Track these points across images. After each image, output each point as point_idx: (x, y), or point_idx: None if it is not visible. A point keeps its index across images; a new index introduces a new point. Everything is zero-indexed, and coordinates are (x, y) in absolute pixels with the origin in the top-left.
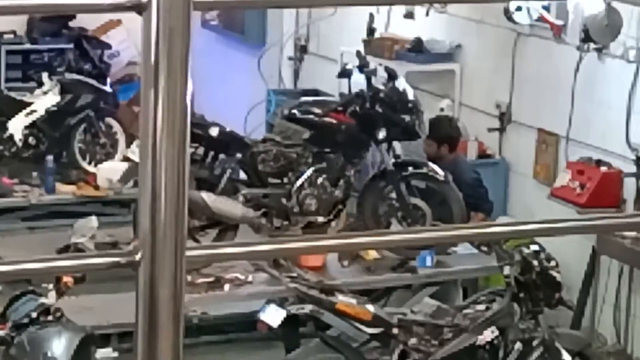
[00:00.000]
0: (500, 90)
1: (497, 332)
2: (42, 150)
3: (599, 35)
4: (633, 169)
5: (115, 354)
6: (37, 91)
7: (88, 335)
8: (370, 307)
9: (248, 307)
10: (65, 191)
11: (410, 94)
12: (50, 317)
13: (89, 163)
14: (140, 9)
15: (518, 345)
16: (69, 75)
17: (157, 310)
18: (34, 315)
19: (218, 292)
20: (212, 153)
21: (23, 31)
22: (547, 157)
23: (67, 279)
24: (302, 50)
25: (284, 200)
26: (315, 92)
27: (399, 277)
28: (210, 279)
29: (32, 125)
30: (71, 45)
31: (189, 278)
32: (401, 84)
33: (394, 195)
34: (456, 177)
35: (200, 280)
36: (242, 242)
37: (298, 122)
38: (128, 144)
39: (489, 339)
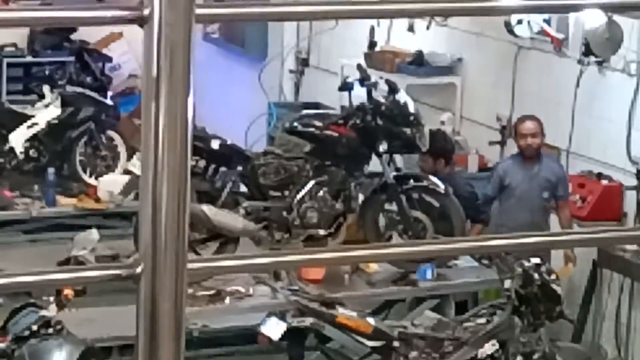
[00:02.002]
0: (501, 103)
1: (497, 346)
2: (43, 163)
3: (599, 48)
4: (634, 182)
5: None
6: (38, 104)
7: (89, 348)
8: (371, 320)
9: (249, 320)
10: (66, 204)
11: (411, 107)
12: (50, 330)
13: (90, 176)
14: (142, 22)
15: (519, 359)
16: (70, 88)
17: (158, 323)
18: (35, 327)
19: (219, 304)
20: (213, 166)
21: (24, 44)
22: None
23: (68, 292)
24: (303, 63)
25: (284, 213)
26: (316, 105)
27: (400, 290)
28: (211, 292)
29: (33, 138)
30: (72, 58)
31: (190, 291)
32: (402, 97)
33: (394, 208)
34: (452, 191)
35: (201, 293)
36: (243, 255)
37: (299, 135)
38: (129, 157)
39: (489, 352)
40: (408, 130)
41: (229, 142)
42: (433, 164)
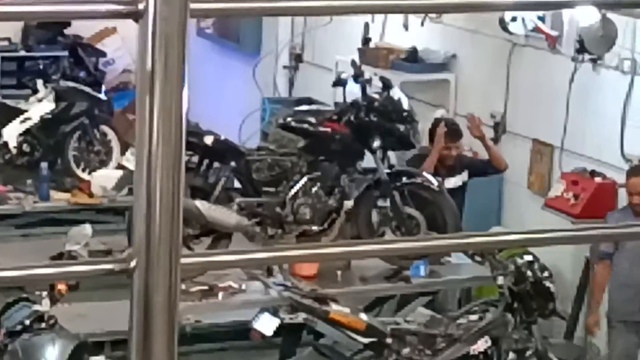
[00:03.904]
0: (495, 100)
1: (490, 342)
2: (37, 158)
3: (593, 46)
4: None
5: None
6: (32, 98)
7: (81, 343)
8: (364, 316)
9: (241, 316)
10: (60, 199)
11: (405, 104)
12: (43, 325)
13: (84, 170)
14: (136, 17)
15: (512, 356)
16: (64, 83)
17: (151, 318)
18: (28, 322)
19: (212, 300)
20: (206, 161)
21: (18, 38)
22: (541, 167)
23: (61, 287)
24: (297, 59)
25: (278, 209)
26: (310, 101)
27: (393, 286)
28: (204, 287)
29: (26, 133)
30: (66, 53)
31: (183, 286)
32: (396, 93)
33: (387, 204)
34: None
35: (194, 288)
36: (236, 251)
37: (293, 131)
38: (122, 152)
39: (482, 349)
40: (402, 127)
41: (222, 138)
42: (457, 146)
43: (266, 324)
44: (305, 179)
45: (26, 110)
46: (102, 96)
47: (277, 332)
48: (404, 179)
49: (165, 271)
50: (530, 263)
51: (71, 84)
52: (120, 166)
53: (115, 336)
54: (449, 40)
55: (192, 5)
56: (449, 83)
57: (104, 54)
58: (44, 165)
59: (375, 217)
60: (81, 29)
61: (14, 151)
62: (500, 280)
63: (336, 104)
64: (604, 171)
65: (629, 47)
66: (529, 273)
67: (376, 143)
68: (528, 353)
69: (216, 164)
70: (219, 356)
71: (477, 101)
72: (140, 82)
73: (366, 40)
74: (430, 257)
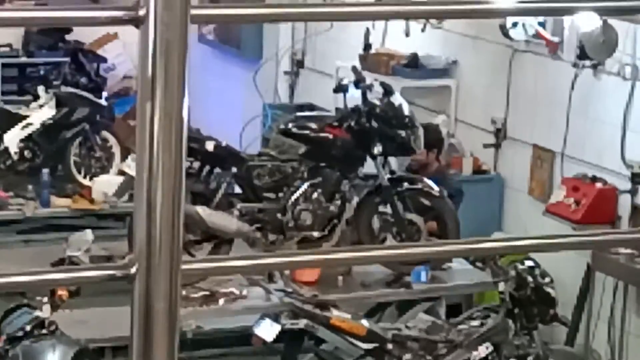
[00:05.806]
0: (495, 106)
1: (491, 348)
2: (38, 164)
3: (594, 51)
4: (628, 185)
5: None
6: (33, 104)
7: (82, 349)
8: (365, 322)
9: (243, 322)
10: (61, 204)
11: (406, 109)
12: (44, 331)
13: (85, 176)
14: (137, 23)
15: None
16: (65, 89)
17: (152, 324)
18: (29, 328)
19: (213, 306)
20: (207, 167)
21: (19, 44)
22: (542, 173)
23: (62, 292)
24: (298, 64)
25: (279, 215)
26: (311, 107)
27: (394, 292)
28: (205, 293)
29: (27, 139)
30: (67, 59)
31: (184, 292)
32: (397, 99)
33: (389, 210)
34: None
35: (196, 294)
36: (237, 257)
37: (294, 137)
38: (123, 158)
39: (483, 355)
40: (403, 133)
41: (223, 144)
42: (426, 157)
43: (267, 330)
44: (306, 184)
45: (27, 116)
46: (103, 102)
47: (278, 338)
48: (405, 185)
49: (166, 277)
50: (531, 269)
51: (72, 89)
52: (121, 172)
53: (116, 342)
54: (450, 46)
55: (193, 12)
56: (450, 89)
57: (105, 60)
58: (45, 171)
59: (376, 222)
60: (82, 34)
61: (15, 157)
62: (502, 286)
63: (337, 109)
64: (604, 177)
65: (630, 52)
66: (530, 279)
67: (377, 149)
68: (529, 359)
69: (217, 170)
70: None
71: (477, 107)
72: (141, 88)
73: (367, 46)
74: (432, 262)
